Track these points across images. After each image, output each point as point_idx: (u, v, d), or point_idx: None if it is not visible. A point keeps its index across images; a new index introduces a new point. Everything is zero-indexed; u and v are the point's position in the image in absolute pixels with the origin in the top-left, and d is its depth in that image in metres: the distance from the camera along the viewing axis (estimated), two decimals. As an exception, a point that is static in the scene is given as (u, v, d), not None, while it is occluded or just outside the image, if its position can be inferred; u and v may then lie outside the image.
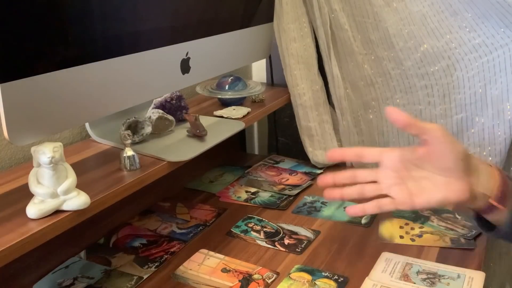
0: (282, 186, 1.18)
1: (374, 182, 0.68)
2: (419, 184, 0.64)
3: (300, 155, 1.34)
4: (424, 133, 0.63)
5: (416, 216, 1.02)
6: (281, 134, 1.51)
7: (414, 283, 0.81)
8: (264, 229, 1.00)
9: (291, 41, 1.23)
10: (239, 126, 1.08)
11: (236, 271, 0.86)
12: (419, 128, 0.63)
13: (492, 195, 0.65)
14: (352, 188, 0.68)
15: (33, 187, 0.69)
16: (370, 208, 0.68)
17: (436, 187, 0.63)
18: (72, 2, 0.72)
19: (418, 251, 0.91)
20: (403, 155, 0.66)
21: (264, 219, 1.03)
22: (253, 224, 1.02)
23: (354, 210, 0.69)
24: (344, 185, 0.69)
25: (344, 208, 1.07)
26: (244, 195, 1.14)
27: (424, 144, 0.64)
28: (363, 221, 1.02)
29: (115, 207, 0.79)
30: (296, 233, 0.98)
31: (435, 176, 0.64)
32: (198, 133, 0.98)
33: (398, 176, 0.65)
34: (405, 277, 0.83)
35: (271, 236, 0.97)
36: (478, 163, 0.66)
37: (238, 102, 1.21)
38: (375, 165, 0.69)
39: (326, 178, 0.70)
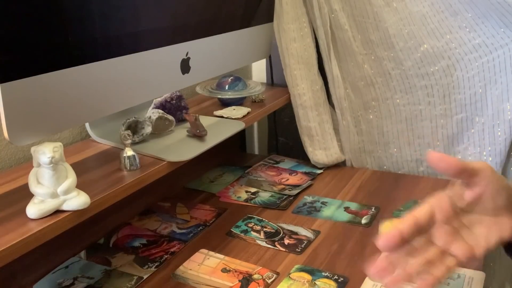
0: (282, 186, 1.18)
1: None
2: (473, 232, 0.59)
3: (300, 155, 1.34)
4: (475, 175, 0.57)
5: (416, 216, 1.02)
6: (281, 134, 1.51)
7: (414, 283, 0.81)
8: (264, 229, 1.00)
9: (291, 41, 1.23)
10: (239, 126, 1.08)
11: (236, 271, 0.86)
12: (470, 171, 0.56)
13: None
14: (416, 265, 0.58)
15: (33, 187, 0.69)
16: (440, 277, 0.57)
17: (490, 230, 0.58)
18: (72, 2, 0.72)
19: (418, 251, 0.91)
20: (453, 203, 0.59)
21: (264, 219, 1.03)
22: (253, 224, 1.02)
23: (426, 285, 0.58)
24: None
25: (344, 208, 1.07)
26: (244, 195, 1.14)
27: (471, 185, 0.58)
28: (363, 221, 1.02)
29: (115, 207, 0.79)
30: (296, 233, 0.98)
31: (484, 218, 0.59)
32: (198, 133, 0.98)
33: (452, 228, 0.58)
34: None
35: (271, 236, 0.97)
36: None
37: (238, 102, 1.21)
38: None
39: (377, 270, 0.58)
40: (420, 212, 0.57)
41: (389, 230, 0.57)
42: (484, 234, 0.59)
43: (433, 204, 0.58)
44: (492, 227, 0.58)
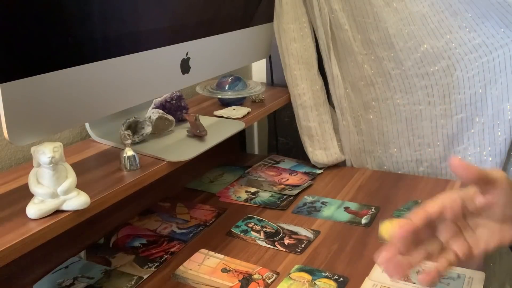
0: (282, 186, 1.18)
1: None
2: (475, 233, 0.60)
3: (300, 155, 1.34)
4: (491, 184, 0.58)
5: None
6: (281, 134, 1.51)
7: (414, 283, 0.81)
8: (264, 229, 1.00)
9: (291, 41, 1.23)
10: (239, 126, 1.08)
11: (236, 271, 0.86)
12: (487, 180, 0.58)
13: None
14: (418, 257, 0.60)
15: (33, 187, 0.69)
16: (441, 269, 0.60)
17: (492, 235, 0.60)
18: (72, 2, 0.72)
19: (418, 251, 0.91)
20: (464, 205, 0.60)
21: (264, 219, 1.03)
22: (253, 224, 1.02)
23: (428, 278, 0.59)
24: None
25: (344, 208, 1.07)
26: (244, 195, 1.14)
27: (486, 192, 0.59)
28: (363, 221, 1.02)
29: (115, 207, 0.79)
30: (296, 233, 0.98)
31: (489, 223, 0.60)
32: (198, 133, 0.98)
33: (457, 227, 0.60)
34: (405, 277, 0.83)
35: (271, 236, 0.97)
36: None
37: (238, 102, 1.21)
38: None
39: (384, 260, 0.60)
40: (432, 208, 0.59)
41: (403, 223, 0.59)
42: (486, 237, 0.60)
43: (445, 202, 0.59)
44: (495, 233, 0.60)
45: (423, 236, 0.60)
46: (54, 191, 0.68)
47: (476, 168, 0.57)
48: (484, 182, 0.58)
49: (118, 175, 0.82)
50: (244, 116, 1.13)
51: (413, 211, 0.60)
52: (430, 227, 0.60)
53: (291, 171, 1.26)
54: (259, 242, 0.95)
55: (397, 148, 1.27)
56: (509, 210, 0.59)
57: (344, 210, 1.06)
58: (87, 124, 0.96)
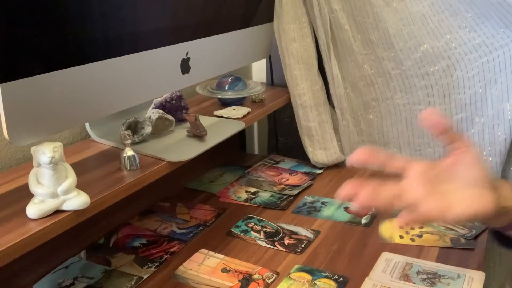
0: (282, 186, 1.18)
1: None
2: (446, 198, 0.61)
3: (300, 155, 1.34)
4: (456, 140, 0.61)
5: (416, 216, 1.02)
6: (281, 134, 1.51)
7: (414, 283, 0.81)
8: (264, 229, 1.00)
9: (291, 41, 1.23)
10: (239, 126, 1.08)
11: (236, 271, 0.86)
12: (453, 135, 0.61)
13: None
14: (368, 192, 0.65)
15: (33, 187, 0.69)
16: (405, 220, 0.62)
17: (464, 201, 0.60)
18: (72, 2, 0.72)
19: (418, 251, 0.91)
20: (428, 168, 0.63)
21: (264, 219, 1.03)
22: (253, 224, 1.02)
23: (403, 219, 0.63)
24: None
25: (345, 208, 1.07)
26: (244, 195, 1.14)
27: (450, 155, 0.62)
28: (363, 221, 1.02)
29: (115, 207, 0.79)
30: (296, 233, 0.98)
31: (461, 190, 0.61)
32: (198, 133, 0.98)
33: (424, 189, 0.62)
34: (405, 277, 0.83)
35: (271, 236, 0.97)
36: (496, 179, 0.64)
37: (238, 102, 1.21)
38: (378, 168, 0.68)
39: (346, 190, 0.67)
40: (393, 160, 0.66)
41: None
42: (457, 202, 0.60)
43: (408, 163, 0.64)
44: (468, 199, 0.60)
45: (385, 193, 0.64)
46: (54, 191, 0.68)
47: (442, 115, 0.59)
48: (449, 136, 0.60)
49: (118, 175, 0.82)
50: (244, 116, 1.13)
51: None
52: (394, 186, 0.64)
53: (291, 171, 1.26)
54: (259, 242, 0.95)
55: (397, 148, 1.27)
56: (477, 172, 0.60)
57: (344, 210, 1.06)
58: (87, 124, 0.96)
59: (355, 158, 0.64)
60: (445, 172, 0.62)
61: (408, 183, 0.63)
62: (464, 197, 0.60)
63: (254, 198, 1.12)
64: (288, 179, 1.22)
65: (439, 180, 0.62)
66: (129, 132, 0.85)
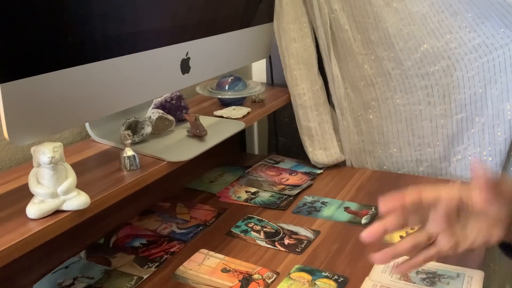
0: (282, 186, 1.18)
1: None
2: (465, 230, 0.60)
3: (300, 155, 1.34)
4: (498, 193, 0.57)
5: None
6: (281, 134, 1.51)
7: (414, 283, 0.81)
8: (264, 229, 1.00)
9: (291, 41, 1.23)
10: (239, 126, 1.08)
11: (236, 271, 0.86)
12: (496, 189, 0.57)
13: None
14: (405, 245, 0.62)
15: (33, 187, 0.69)
16: (419, 262, 0.62)
17: (480, 232, 0.60)
18: (72, 2, 0.72)
19: (418, 251, 0.91)
20: (461, 201, 0.59)
21: (264, 219, 1.03)
22: (253, 224, 1.02)
23: (404, 268, 0.63)
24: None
25: (344, 208, 1.07)
26: (244, 195, 1.14)
27: (482, 202, 0.58)
28: (363, 221, 1.02)
29: (115, 207, 0.79)
30: (296, 233, 0.98)
31: (480, 222, 0.60)
32: (198, 133, 0.98)
33: (448, 221, 0.60)
34: (405, 277, 0.83)
35: (271, 236, 0.97)
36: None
37: (238, 102, 1.21)
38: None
39: (374, 230, 0.62)
40: (427, 194, 0.60)
41: (395, 196, 0.60)
42: (473, 234, 0.60)
43: (442, 195, 0.59)
44: (483, 231, 0.60)
45: (412, 221, 0.61)
46: (54, 191, 0.68)
47: (490, 176, 0.56)
48: (492, 191, 0.57)
49: (118, 175, 0.82)
50: (244, 116, 1.13)
51: (409, 189, 0.60)
52: (422, 215, 0.61)
53: (291, 171, 1.26)
54: (259, 242, 0.95)
55: (397, 148, 1.27)
56: (503, 213, 0.59)
57: (344, 210, 1.06)
58: (87, 124, 0.96)
59: (384, 208, 0.60)
60: (474, 209, 0.59)
61: (433, 216, 0.61)
62: (479, 229, 0.60)
63: (254, 198, 1.12)
64: (288, 179, 1.22)
65: (465, 211, 0.60)
66: (129, 132, 0.85)
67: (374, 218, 1.02)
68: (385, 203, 0.60)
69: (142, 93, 0.91)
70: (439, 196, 0.59)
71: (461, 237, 0.60)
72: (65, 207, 0.69)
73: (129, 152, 0.83)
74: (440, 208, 0.59)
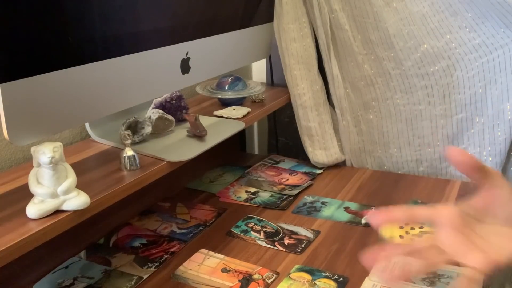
0: (282, 186, 1.18)
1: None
2: (488, 241, 0.54)
3: (300, 155, 1.34)
4: (487, 178, 0.55)
5: (416, 216, 1.02)
6: (281, 134, 1.51)
7: (414, 282, 0.81)
8: (264, 229, 1.00)
9: (291, 41, 1.23)
10: (239, 126, 1.08)
11: (236, 271, 0.86)
12: (484, 172, 0.54)
13: None
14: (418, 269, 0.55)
15: (33, 187, 0.69)
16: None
17: (507, 240, 0.54)
18: (72, 2, 0.72)
19: (418, 251, 0.91)
20: (461, 211, 0.56)
21: (264, 219, 1.03)
22: (253, 224, 1.02)
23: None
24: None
25: (344, 208, 1.07)
26: (244, 195, 1.14)
27: (482, 193, 0.56)
28: (363, 221, 1.02)
29: (115, 207, 0.79)
30: (296, 233, 0.98)
31: (501, 229, 0.55)
32: (198, 133, 0.98)
33: (462, 235, 0.54)
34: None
35: (271, 236, 0.97)
36: None
37: (238, 102, 1.21)
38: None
39: (374, 254, 0.55)
40: (420, 211, 0.56)
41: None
42: (500, 244, 0.54)
43: (436, 210, 0.55)
44: (505, 239, 0.54)
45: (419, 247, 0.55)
46: (54, 191, 0.68)
47: (471, 155, 0.54)
48: (480, 174, 0.55)
49: (118, 175, 0.82)
50: (244, 116, 1.13)
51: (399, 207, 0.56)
52: (427, 238, 0.55)
53: (291, 171, 1.26)
54: (259, 242, 0.95)
55: (397, 148, 1.27)
56: (510, 209, 0.55)
57: (344, 210, 1.06)
58: (87, 124, 0.96)
59: (372, 221, 0.57)
60: (481, 211, 0.56)
61: (442, 232, 0.55)
62: (505, 237, 0.54)
63: (254, 198, 1.12)
64: (288, 179, 1.22)
65: (475, 220, 0.56)
66: (129, 132, 0.85)
67: (374, 218, 1.02)
68: (374, 217, 0.55)
69: (142, 93, 0.91)
70: (435, 211, 0.55)
71: (486, 247, 0.53)
72: (65, 207, 0.69)
73: (129, 152, 0.83)
74: (442, 218, 0.54)
